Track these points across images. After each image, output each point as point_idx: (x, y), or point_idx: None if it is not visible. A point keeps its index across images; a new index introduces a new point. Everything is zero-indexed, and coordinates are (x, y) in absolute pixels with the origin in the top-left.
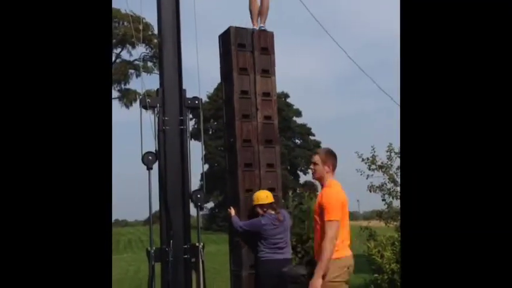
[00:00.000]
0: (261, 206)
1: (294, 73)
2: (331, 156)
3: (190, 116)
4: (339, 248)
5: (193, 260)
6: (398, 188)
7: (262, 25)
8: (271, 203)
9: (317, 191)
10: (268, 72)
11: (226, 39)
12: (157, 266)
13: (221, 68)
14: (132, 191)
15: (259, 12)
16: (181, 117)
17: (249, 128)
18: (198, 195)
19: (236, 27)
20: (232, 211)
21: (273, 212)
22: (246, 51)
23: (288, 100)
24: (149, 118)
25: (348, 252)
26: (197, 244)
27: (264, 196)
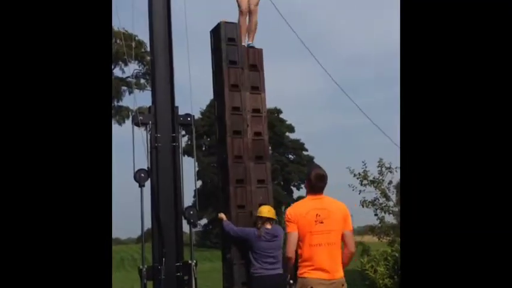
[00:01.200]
0: (261, 218)
1: (286, 89)
2: (309, 175)
3: (183, 132)
4: (305, 266)
5: (186, 277)
6: (391, 203)
7: (250, 42)
8: (270, 218)
9: None
10: (257, 89)
11: (217, 34)
12: (150, 285)
13: (214, 84)
14: (125, 209)
15: (248, 30)
16: (174, 134)
17: (240, 144)
18: (191, 212)
19: (226, 22)
20: (223, 216)
21: (269, 227)
22: (237, 67)
23: (281, 116)
24: (141, 135)
25: (315, 275)
26: (190, 261)
27: (266, 210)
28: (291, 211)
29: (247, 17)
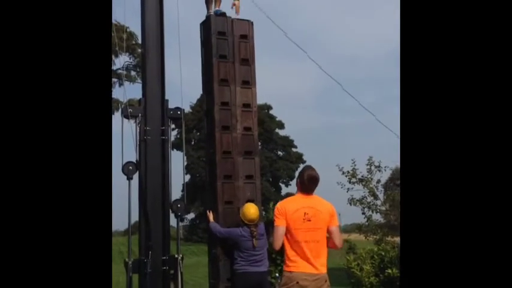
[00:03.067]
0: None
1: (276, 86)
2: (302, 175)
3: (173, 126)
4: (291, 260)
5: (172, 271)
6: (379, 202)
7: (218, 8)
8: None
9: None
10: (248, 83)
11: (207, 26)
12: (135, 278)
13: (203, 78)
14: (112, 201)
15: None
16: (163, 128)
17: (228, 139)
18: (179, 205)
19: (216, 14)
20: (211, 216)
21: (254, 229)
22: (227, 61)
23: (271, 112)
24: (131, 127)
25: (300, 269)
26: (176, 255)
27: (249, 214)
28: (280, 206)
29: None
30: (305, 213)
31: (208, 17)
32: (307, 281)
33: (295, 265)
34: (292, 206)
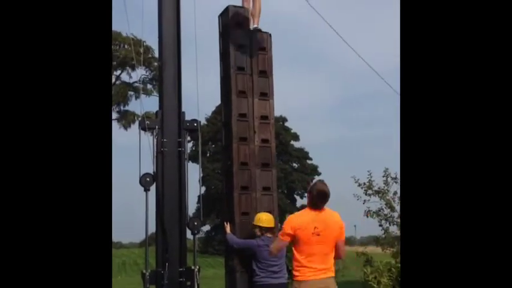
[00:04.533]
0: (260, 227)
1: (290, 98)
2: (311, 190)
3: (189, 138)
4: (300, 271)
5: (188, 283)
6: (396, 214)
7: (256, 25)
8: (271, 228)
9: None
10: (266, 95)
11: (225, 18)
12: None
13: (221, 90)
14: (128, 213)
15: (252, 14)
16: (180, 139)
17: (246, 151)
18: (195, 223)
19: (234, 6)
20: (228, 228)
21: (270, 236)
22: (245, 73)
23: (286, 124)
24: (148, 140)
25: (308, 277)
26: (193, 267)
27: (265, 219)
28: (288, 224)
29: (251, 2)
30: (315, 228)
31: (226, 8)
32: (315, 285)
33: (304, 275)
34: (301, 221)
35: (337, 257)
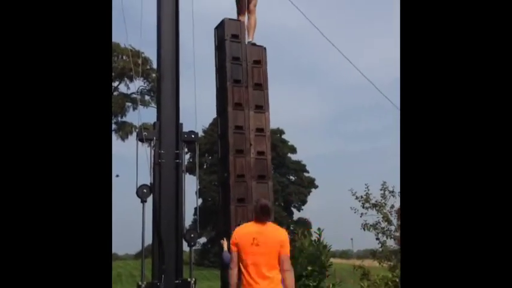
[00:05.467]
0: None
1: (287, 111)
2: (255, 205)
3: (186, 149)
4: (242, 285)
5: None
6: (393, 227)
7: (250, 39)
8: None
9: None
10: (261, 108)
11: (220, 31)
12: None
13: (217, 102)
14: (123, 224)
15: (248, 28)
16: (177, 151)
17: (242, 163)
18: (192, 235)
19: (230, 19)
20: (225, 244)
21: None
22: (241, 86)
23: (283, 136)
24: (145, 151)
25: None
26: (189, 279)
27: None
28: (233, 235)
29: (246, 16)
30: (253, 238)
31: (222, 21)
32: None
33: (242, 285)
34: (243, 232)
35: (282, 272)
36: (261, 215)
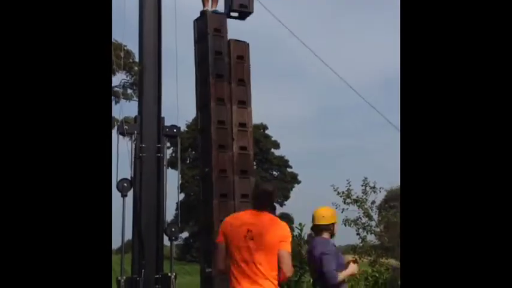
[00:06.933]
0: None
1: (272, 106)
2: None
3: (168, 144)
4: (230, 283)
5: None
6: (373, 223)
7: (214, 8)
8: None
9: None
10: (244, 103)
11: (200, 23)
12: None
13: (197, 96)
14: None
15: None
16: (159, 145)
17: (225, 158)
18: (173, 229)
19: (213, 11)
20: (341, 275)
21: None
22: (224, 81)
23: (267, 132)
24: (126, 145)
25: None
26: (169, 274)
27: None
28: (224, 223)
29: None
30: (248, 231)
31: (202, 13)
32: None
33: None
34: (236, 221)
35: (282, 277)
36: (259, 203)
